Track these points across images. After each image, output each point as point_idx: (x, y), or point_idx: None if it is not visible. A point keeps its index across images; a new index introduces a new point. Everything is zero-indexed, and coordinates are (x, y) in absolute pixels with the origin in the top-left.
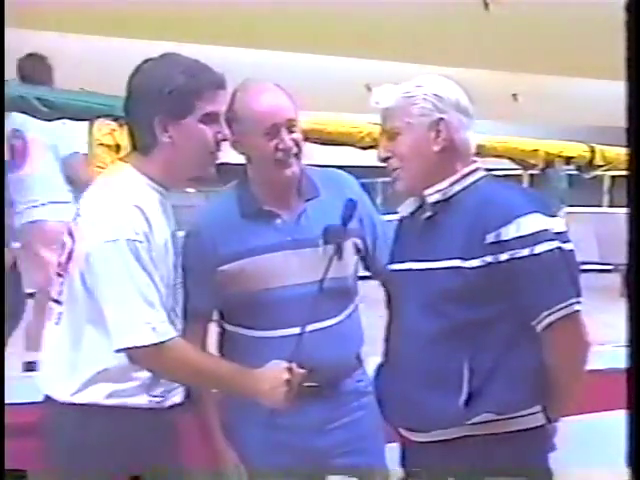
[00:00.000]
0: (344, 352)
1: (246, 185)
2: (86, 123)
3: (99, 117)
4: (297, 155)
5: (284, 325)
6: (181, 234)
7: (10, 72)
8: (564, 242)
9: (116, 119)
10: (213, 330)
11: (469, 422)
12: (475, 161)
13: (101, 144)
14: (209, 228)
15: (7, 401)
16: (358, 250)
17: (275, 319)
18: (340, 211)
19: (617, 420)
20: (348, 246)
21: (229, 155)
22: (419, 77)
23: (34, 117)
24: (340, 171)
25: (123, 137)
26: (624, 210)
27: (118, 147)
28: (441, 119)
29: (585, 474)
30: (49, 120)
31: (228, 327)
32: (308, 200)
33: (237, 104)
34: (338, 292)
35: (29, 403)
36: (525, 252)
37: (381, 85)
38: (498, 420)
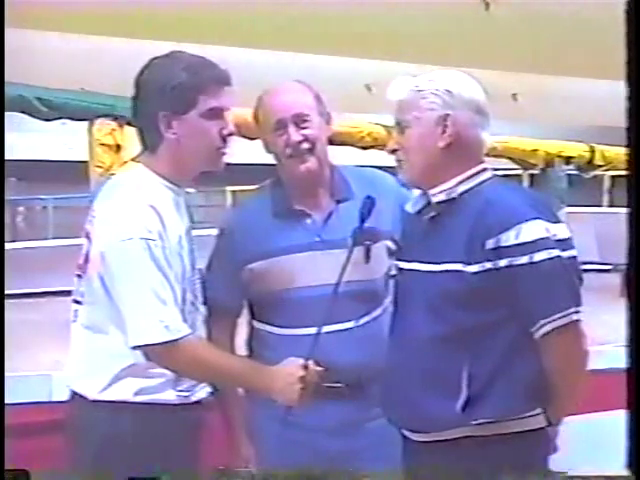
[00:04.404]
0: (366, 355)
1: (280, 184)
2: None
3: (99, 117)
4: (311, 151)
5: (306, 324)
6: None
7: (10, 72)
8: (567, 249)
9: (116, 119)
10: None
11: (469, 423)
12: (483, 161)
13: (101, 144)
14: (241, 226)
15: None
16: (392, 253)
17: (298, 318)
18: (376, 213)
19: (617, 420)
20: (378, 248)
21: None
22: (435, 71)
23: (34, 117)
24: (378, 171)
25: (123, 137)
26: (624, 210)
27: (118, 147)
28: (448, 115)
29: (584, 474)
30: (49, 120)
31: (256, 324)
32: (341, 201)
33: (258, 104)
34: (363, 295)
35: (30, 403)
36: (524, 260)
37: (380, 85)
38: (499, 421)
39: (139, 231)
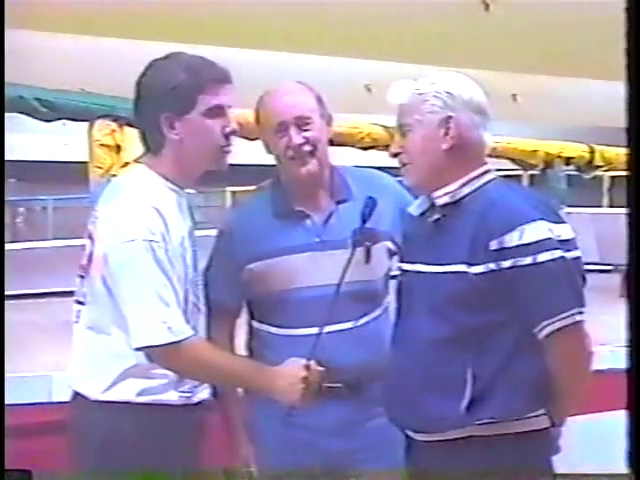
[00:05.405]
0: (365, 355)
1: (279, 185)
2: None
3: (99, 118)
4: (312, 153)
5: (306, 324)
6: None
7: (10, 73)
8: (571, 249)
9: (116, 119)
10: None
11: (472, 423)
12: (486, 163)
13: (101, 144)
14: (241, 226)
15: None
16: (393, 253)
17: (298, 318)
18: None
19: (617, 420)
20: (379, 249)
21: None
22: (435, 74)
23: (34, 118)
24: (377, 171)
25: (123, 138)
26: (624, 210)
27: (118, 148)
28: (450, 117)
29: (584, 474)
30: (49, 121)
31: (255, 324)
32: (341, 202)
33: (259, 105)
34: (362, 295)
35: (30, 404)
36: (528, 260)
37: (380, 85)
38: (502, 422)
39: (142, 233)
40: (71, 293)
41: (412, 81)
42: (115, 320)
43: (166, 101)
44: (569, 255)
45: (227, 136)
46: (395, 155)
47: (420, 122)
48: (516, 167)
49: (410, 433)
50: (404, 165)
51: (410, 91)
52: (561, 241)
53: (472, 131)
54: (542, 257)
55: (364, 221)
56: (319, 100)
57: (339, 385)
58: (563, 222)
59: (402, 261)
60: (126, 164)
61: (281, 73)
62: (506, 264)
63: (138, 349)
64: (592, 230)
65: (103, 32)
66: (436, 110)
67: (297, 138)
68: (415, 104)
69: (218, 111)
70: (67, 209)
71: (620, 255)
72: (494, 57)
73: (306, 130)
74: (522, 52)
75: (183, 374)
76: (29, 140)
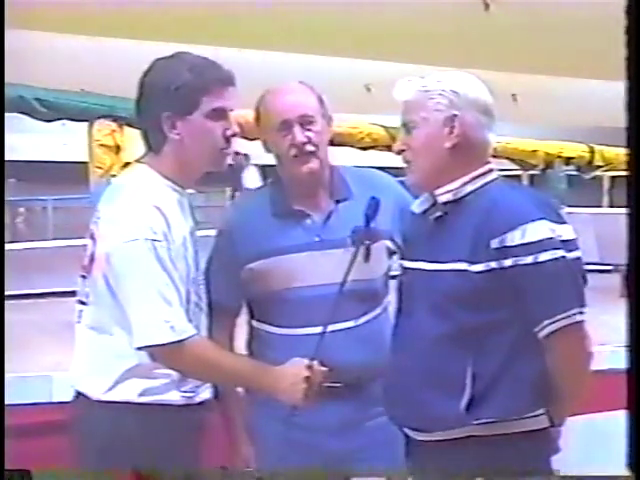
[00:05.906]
0: (366, 354)
1: (279, 184)
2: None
3: (99, 118)
4: (314, 152)
5: (306, 324)
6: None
7: (10, 73)
8: (572, 250)
9: (116, 120)
10: (244, 327)
11: (472, 423)
12: (489, 162)
13: (101, 145)
14: (240, 226)
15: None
16: (392, 252)
17: (298, 318)
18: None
19: (617, 420)
20: (378, 248)
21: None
22: (442, 72)
23: (34, 118)
24: (376, 171)
25: (123, 138)
26: (624, 210)
27: (118, 148)
28: (455, 115)
29: (584, 474)
30: (49, 121)
31: (255, 324)
32: (340, 201)
33: (260, 104)
34: (362, 294)
35: (30, 404)
36: (529, 260)
37: (379, 85)
38: (502, 421)
39: (144, 232)
40: (71, 293)
41: (418, 78)
42: (117, 320)
43: (169, 100)
44: (570, 255)
45: (228, 139)
46: (399, 152)
47: (425, 120)
48: (516, 167)
49: (410, 433)
50: (407, 163)
51: (416, 88)
52: (562, 241)
53: (476, 131)
54: (543, 257)
55: (368, 222)
56: (321, 100)
57: (339, 384)
58: (564, 222)
59: (403, 259)
60: (126, 164)
61: (281, 73)
62: (507, 263)
63: (140, 348)
64: (592, 230)
65: (103, 32)
66: (441, 108)
67: (300, 137)
68: (421, 101)
69: (220, 113)
70: (67, 209)
71: (620, 255)
72: (494, 57)
73: (308, 130)
74: (522, 52)
75: (185, 373)
76: (29, 140)
